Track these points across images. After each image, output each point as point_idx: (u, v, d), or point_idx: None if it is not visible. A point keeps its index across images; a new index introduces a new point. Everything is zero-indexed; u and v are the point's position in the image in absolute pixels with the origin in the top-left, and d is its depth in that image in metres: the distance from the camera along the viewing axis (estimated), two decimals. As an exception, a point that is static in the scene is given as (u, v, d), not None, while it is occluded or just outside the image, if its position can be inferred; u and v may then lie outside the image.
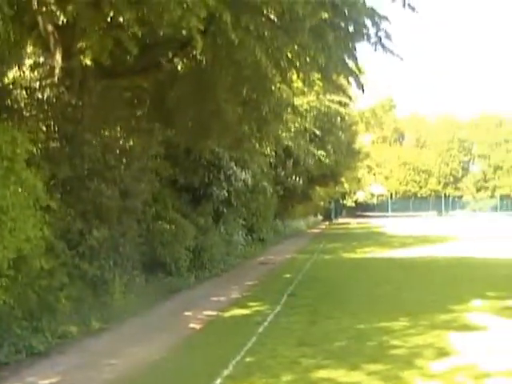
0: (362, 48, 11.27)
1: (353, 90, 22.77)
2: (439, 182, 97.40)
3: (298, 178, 34.70)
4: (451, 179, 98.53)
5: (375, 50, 10.84)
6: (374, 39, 10.73)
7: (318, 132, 32.68)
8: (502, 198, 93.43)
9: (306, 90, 18.86)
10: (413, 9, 10.38)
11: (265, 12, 9.53)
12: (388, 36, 10.78)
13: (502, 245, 29.41)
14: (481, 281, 16.68)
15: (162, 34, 10.17)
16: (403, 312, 11.93)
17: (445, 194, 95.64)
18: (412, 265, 21.77)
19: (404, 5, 10.22)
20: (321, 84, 14.34)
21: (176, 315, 12.45)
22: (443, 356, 8.56)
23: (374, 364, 8.10)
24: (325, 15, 9.09)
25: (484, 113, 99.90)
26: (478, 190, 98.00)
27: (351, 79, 11.87)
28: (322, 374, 7.71)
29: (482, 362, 8.14)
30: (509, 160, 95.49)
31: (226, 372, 7.83)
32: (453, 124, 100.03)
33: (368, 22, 10.35)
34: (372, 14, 10.22)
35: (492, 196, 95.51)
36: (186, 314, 12.58)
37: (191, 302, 14.19)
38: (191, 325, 11.37)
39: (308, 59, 10.55)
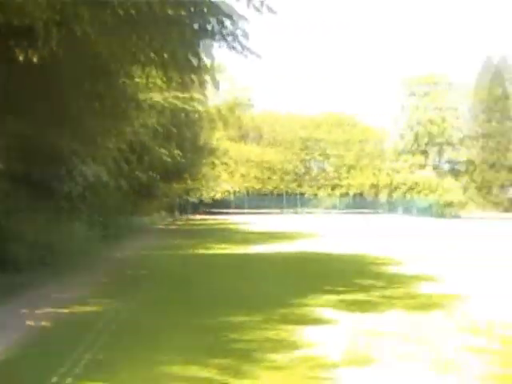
0: (222, 46, 11.26)
1: (208, 87, 22.94)
2: (287, 180, 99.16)
3: (151, 174, 34.38)
4: (301, 177, 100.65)
5: (229, 48, 10.96)
6: (228, 37, 10.82)
7: (164, 129, 32.05)
8: (353, 196, 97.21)
9: (152, 85, 18.77)
10: (263, 10, 10.52)
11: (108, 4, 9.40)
12: (245, 34, 10.87)
13: (348, 241, 30.80)
14: (330, 276, 17.30)
15: (7, 23, 9.80)
16: (253, 306, 12.14)
17: (300, 192, 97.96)
18: (266, 261, 22.20)
19: (250, 6, 10.37)
20: (171, 80, 14.31)
21: (17, 314, 11.98)
22: (290, 349, 8.72)
23: (219, 358, 8.16)
24: (168, 11, 9.10)
25: (332, 112, 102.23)
26: (320, 188, 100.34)
27: (205, 77, 11.95)
28: (161, 369, 7.71)
29: (329, 353, 8.39)
30: (360, 159, 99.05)
31: (62, 370, 7.66)
32: (305, 123, 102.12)
33: (214, 20, 10.42)
34: (218, 12, 10.29)
35: (342, 194, 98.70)
36: (29, 312, 12.15)
37: (34, 300, 13.67)
38: (35, 323, 11.01)
39: (152, 54, 10.50)
